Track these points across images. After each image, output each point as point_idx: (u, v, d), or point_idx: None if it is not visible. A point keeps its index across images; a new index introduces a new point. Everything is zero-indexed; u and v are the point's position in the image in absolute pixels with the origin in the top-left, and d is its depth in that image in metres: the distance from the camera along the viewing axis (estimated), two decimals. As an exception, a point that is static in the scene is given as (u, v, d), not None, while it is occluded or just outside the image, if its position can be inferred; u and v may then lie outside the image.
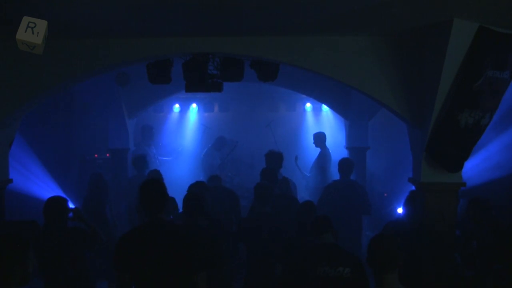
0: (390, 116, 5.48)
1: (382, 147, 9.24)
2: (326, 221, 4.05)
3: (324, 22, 4.42)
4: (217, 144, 9.72)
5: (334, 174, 8.04)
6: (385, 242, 3.03)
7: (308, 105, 10.80)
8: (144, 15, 4.09)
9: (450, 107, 4.37)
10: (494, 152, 7.25)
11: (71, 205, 4.91)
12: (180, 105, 10.83)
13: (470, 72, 4.25)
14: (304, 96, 9.77)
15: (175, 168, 9.48)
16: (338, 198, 6.54)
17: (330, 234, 3.99)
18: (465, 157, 4.61)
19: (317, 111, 10.76)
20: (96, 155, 9.28)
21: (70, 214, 4.47)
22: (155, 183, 3.76)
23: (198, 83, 5.90)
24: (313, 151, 9.17)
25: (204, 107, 10.94)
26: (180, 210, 5.22)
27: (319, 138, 8.89)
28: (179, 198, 5.40)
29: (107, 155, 9.09)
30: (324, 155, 8.78)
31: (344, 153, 8.64)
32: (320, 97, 8.94)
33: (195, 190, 5.24)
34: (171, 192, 6.81)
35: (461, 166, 4.69)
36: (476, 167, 6.92)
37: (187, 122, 11.04)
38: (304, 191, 8.96)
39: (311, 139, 9.19)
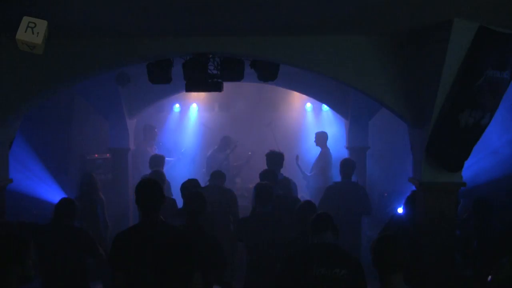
0: (390, 116, 5.47)
1: (382, 147, 9.22)
2: (326, 219, 4.01)
3: (324, 22, 4.42)
4: (222, 144, 9.66)
5: (335, 174, 8.03)
6: (392, 242, 3.05)
7: (308, 105, 10.78)
8: (144, 15, 4.08)
9: (450, 107, 4.37)
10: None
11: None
12: (180, 104, 10.83)
13: (470, 72, 4.25)
14: (304, 96, 9.76)
15: (179, 169, 9.45)
16: (339, 200, 6.54)
17: (330, 232, 3.95)
18: (465, 157, 4.62)
19: (317, 111, 10.74)
20: (96, 155, 9.27)
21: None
22: (151, 183, 3.78)
23: (198, 83, 5.91)
24: (314, 151, 9.17)
25: (204, 107, 10.94)
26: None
27: (321, 138, 8.90)
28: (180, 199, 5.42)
29: (107, 155, 9.10)
30: (324, 155, 8.79)
31: (344, 153, 8.63)
32: (320, 97, 8.95)
33: (190, 188, 5.26)
34: (174, 193, 6.76)
35: (461, 166, 4.69)
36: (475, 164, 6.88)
37: (187, 121, 11.04)
38: (305, 191, 8.96)
39: (311, 139, 9.18)
